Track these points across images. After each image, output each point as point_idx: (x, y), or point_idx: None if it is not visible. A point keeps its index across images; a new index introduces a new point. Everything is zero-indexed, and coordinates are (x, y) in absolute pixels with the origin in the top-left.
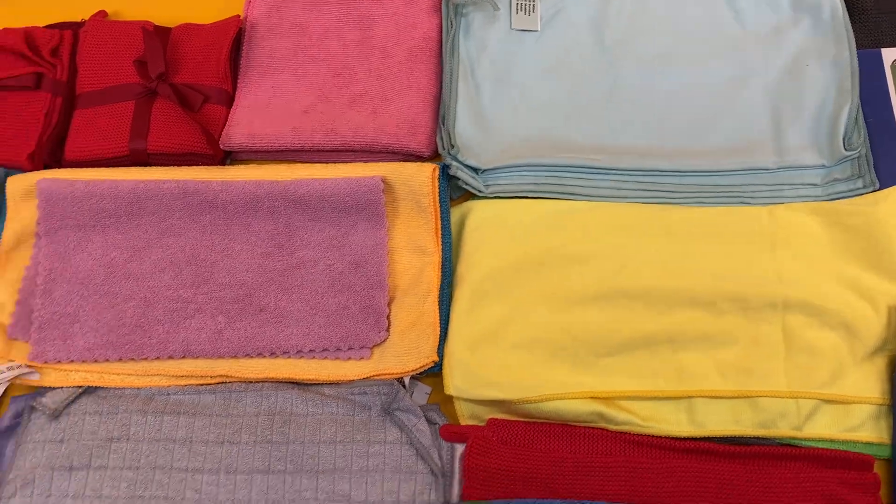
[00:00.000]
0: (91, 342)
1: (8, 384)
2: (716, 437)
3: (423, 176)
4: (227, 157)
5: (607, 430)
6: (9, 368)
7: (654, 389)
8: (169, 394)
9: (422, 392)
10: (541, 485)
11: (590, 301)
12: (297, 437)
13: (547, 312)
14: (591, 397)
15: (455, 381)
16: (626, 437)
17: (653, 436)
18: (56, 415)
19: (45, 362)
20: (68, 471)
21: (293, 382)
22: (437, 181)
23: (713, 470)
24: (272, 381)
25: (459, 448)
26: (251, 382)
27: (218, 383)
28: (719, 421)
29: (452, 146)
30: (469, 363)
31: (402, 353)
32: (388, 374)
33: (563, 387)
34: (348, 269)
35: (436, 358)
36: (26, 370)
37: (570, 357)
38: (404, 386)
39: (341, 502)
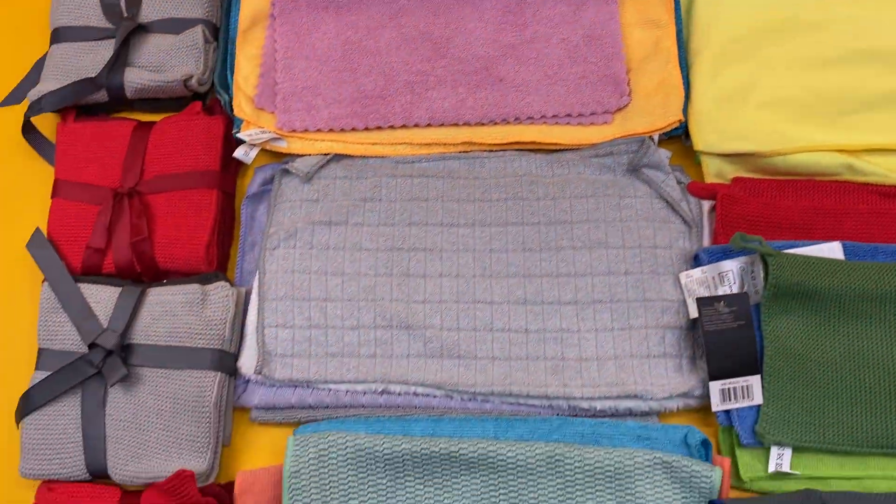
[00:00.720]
0: (335, 112)
1: (260, 147)
2: None
3: None
4: None
5: (852, 184)
6: (262, 132)
7: None
8: (414, 161)
9: (663, 156)
10: (792, 230)
11: (831, 63)
12: (546, 193)
13: (790, 74)
14: (839, 150)
15: (705, 136)
16: (873, 188)
17: None
18: (309, 177)
19: (292, 130)
20: (328, 226)
21: (535, 150)
22: None
23: None
24: (515, 148)
25: (707, 204)
26: (494, 151)
27: (461, 152)
28: None
29: None
30: (718, 118)
31: (647, 114)
32: (635, 133)
33: (812, 141)
34: (583, 43)
35: (682, 117)
36: (275, 136)
37: (815, 114)
38: (654, 142)
39: (597, 248)
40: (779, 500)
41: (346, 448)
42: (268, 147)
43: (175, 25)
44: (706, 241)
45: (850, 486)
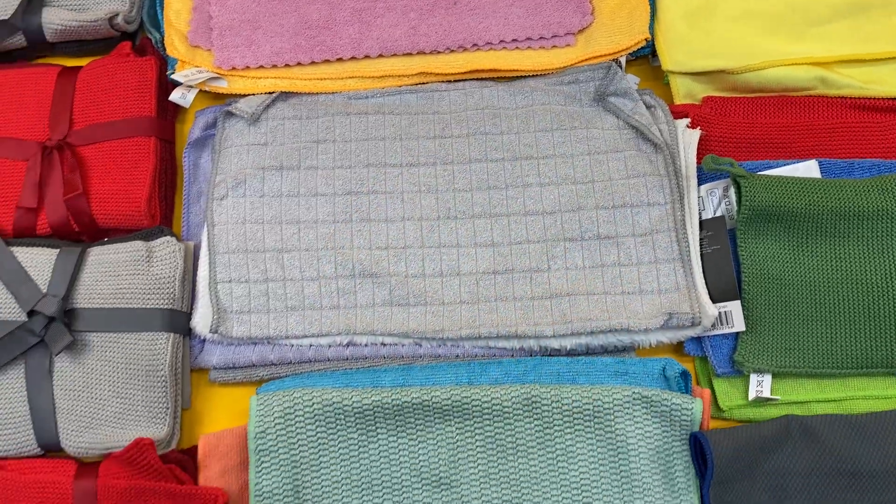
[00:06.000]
0: (278, 46)
1: (198, 89)
2: None
3: None
4: None
5: (827, 98)
6: (199, 71)
7: (875, 51)
8: (368, 97)
9: (631, 82)
10: (767, 149)
11: None
12: (510, 127)
13: None
14: (812, 63)
15: (674, 54)
16: (847, 101)
17: (875, 98)
18: (255, 118)
19: (232, 68)
20: (279, 171)
21: (496, 79)
22: None
23: None
24: (474, 78)
25: (681, 123)
26: (452, 82)
27: (417, 84)
28: None
29: None
30: (687, 35)
31: (612, 33)
32: (600, 55)
33: (784, 54)
34: None
35: (648, 35)
36: (214, 75)
37: (786, 26)
38: (621, 67)
39: (566, 184)
40: (760, 427)
41: (312, 404)
42: (207, 88)
43: None
44: (683, 162)
45: (831, 409)
